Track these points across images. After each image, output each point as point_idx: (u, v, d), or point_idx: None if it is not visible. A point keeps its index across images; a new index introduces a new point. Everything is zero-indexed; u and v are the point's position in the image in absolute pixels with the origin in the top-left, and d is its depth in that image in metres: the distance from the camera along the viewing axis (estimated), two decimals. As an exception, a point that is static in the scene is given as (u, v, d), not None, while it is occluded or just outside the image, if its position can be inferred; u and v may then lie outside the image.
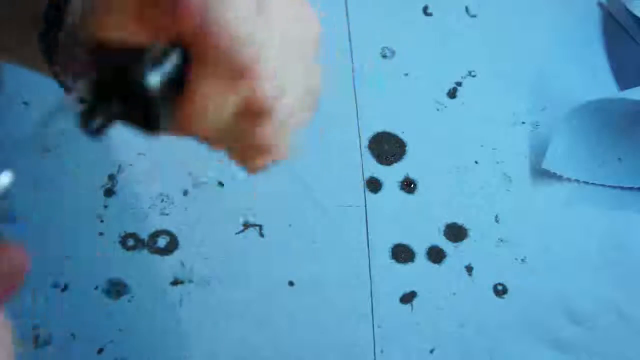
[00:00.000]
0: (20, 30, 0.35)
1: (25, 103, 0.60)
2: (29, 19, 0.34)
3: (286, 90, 0.30)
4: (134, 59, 0.27)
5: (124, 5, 0.27)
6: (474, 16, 0.69)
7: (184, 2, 0.27)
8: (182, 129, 0.30)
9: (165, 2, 0.27)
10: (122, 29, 0.27)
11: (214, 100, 0.29)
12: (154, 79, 0.27)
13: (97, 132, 0.28)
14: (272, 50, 0.29)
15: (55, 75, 0.35)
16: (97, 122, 0.28)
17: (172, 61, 0.27)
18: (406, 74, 0.66)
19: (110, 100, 0.28)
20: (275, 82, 0.29)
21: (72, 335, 0.54)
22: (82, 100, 0.28)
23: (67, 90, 0.35)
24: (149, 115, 0.28)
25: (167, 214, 0.58)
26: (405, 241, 0.59)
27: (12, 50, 0.38)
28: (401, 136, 0.63)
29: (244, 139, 0.31)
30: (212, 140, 0.32)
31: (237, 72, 0.28)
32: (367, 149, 0.62)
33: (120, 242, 0.57)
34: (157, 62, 0.27)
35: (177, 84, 0.28)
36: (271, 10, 0.29)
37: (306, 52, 0.32)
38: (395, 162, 0.62)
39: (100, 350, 0.53)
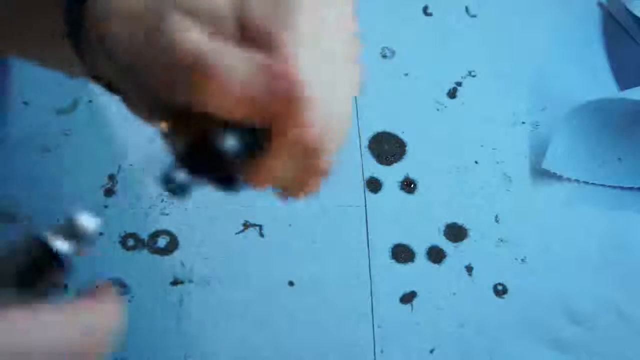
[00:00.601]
0: (47, 30, 0.35)
1: (25, 103, 0.60)
2: (52, 15, 0.34)
3: (336, 119, 0.31)
4: (225, 132, 0.28)
5: (233, 88, 0.27)
6: (474, 16, 0.69)
7: (285, 92, 0.28)
8: (252, 185, 0.32)
9: (269, 92, 0.28)
10: (226, 109, 0.28)
11: (284, 168, 0.30)
12: (232, 141, 0.28)
13: (181, 191, 0.29)
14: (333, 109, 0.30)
15: (82, 59, 0.35)
16: (181, 181, 0.29)
17: (254, 133, 0.29)
18: (406, 74, 0.66)
19: (191, 160, 0.29)
20: (330, 126, 0.30)
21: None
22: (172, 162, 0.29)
23: (96, 80, 0.35)
24: (230, 178, 0.30)
25: (167, 214, 0.58)
26: (405, 241, 0.59)
27: (42, 51, 0.38)
28: (401, 136, 0.63)
29: (298, 176, 0.32)
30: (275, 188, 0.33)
31: (312, 152, 0.30)
32: (367, 149, 0.62)
33: (120, 242, 0.57)
34: (239, 136, 0.28)
35: (253, 146, 0.29)
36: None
37: (353, 72, 0.33)
38: (395, 162, 0.62)
39: (100, 350, 0.53)
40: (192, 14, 0.28)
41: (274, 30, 0.28)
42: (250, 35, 0.29)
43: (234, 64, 0.27)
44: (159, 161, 0.29)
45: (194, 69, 0.27)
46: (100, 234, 0.57)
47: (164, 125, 0.29)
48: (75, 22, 0.33)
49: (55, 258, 0.26)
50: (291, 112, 0.28)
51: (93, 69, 0.34)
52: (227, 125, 0.28)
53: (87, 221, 0.27)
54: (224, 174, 0.29)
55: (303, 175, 0.32)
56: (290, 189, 0.33)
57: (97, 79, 0.35)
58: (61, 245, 0.26)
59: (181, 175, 0.28)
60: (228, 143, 0.28)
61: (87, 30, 0.32)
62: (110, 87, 0.36)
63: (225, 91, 0.27)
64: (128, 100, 0.32)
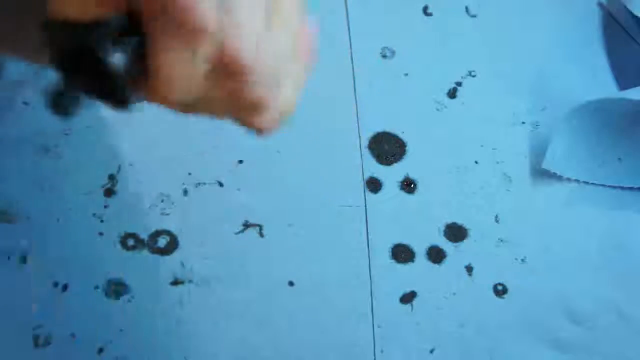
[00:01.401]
0: (18, 22, 0.34)
1: (25, 103, 0.60)
2: (30, 11, 0.33)
3: (264, 44, 0.27)
4: (95, 37, 0.26)
5: None
6: (474, 16, 0.69)
7: None
8: (157, 99, 0.28)
9: None
10: (80, 4, 0.26)
11: (180, 65, 0.26)
12: (117, 58, 0.26)
13: (68, 112, 0.27)
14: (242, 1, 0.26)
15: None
16: (67, 101, 0.27)
17: (132, 34, 0.26)
18: (406, 74, 0.66)
19: (77, 79, 0.27)
20: (247, 30, 0.26)
21: (72, 335, 0.54)
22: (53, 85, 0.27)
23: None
24: (116, 90, 0.27)
25: (167, 214, 0.58)
26: (405, 241, 0.59)
27: (12, 42, 0.38)
28: (401, 136, 0.63)
29: (231, 102, 0.29)
30: (197, 108, 0.30)
31: (199, 32, 0.25)
32: (367, 149, 0.62)
33: (120, 242, 0.57)
34: (118, 39, 0.26)
35: (142, 53, 0.27)
36: None
37: (285, 4, 0.29)
38: (395, 162, 0.62)
39: (100, 350, 0.53)
40: None
41: None
42: None
43: None
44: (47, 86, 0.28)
45: None
46: (100, 234, 0.57)
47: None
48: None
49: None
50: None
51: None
52: (107, 38, 0.26)
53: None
54: (111, 87, 0.27)
55: (235, 97, 0.28)
56: (231, 116, 0.30)
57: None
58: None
59: (67, 96, 0.27)
60: (111, 56, 0.26)
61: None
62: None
63: None
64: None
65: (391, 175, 0.61)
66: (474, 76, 0.66)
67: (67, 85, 0.27)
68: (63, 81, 0.27)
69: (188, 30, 0.25)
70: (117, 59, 0.26)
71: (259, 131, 0.31)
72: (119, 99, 0.27)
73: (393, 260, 0.58)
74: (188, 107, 0.29)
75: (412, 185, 0.61)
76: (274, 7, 0.28)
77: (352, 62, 0.65)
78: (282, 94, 0.30)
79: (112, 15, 0.26)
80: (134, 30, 0.26)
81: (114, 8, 0.26)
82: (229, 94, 0.28)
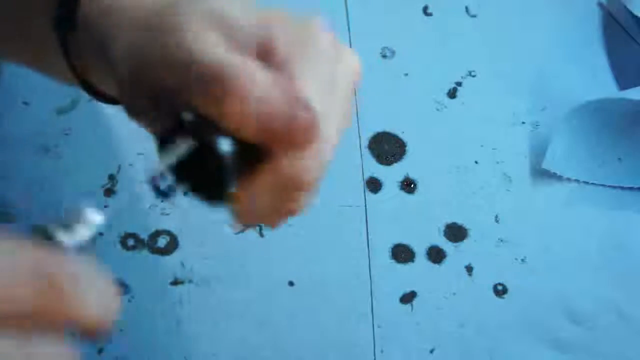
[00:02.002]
0: (41, 34, 0.34)
1: (25, 103, 0.60)
2: (42, 21, 0.33)
3: (321, 167, 0.31)
4: (219, 137, 0.28)
5: (258, 111, 0.27)
6: (474, 16, 0.69)
7: (306, 127, 0.27)
8: (233, 207, 0.30)
9: (291, 123, 0.27)
10: (244, 129, 0.27)
11: (265, 201, 0.29)
12: (226, 146, 0.27)
13: (164, 195, 0.28)
14: (329, 129, 0.30)
15: (75, 73, 0.34)
16: (167, 184, 0.28)
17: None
18: (406, 74, 0.66)
19: (183, 165, 0.28)
20: (323, 156, 0.30)
21: (72, 335, 0.54)
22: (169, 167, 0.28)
23: (88, 91, 0.35)
24: (216, 182, 0.28)
25: (167, 214, 0.58)
26: (405, 241, 0.59)
27: (36, 56, 0.38)
28: (401, 136, 0.63)
29: (278, 205, 0.31)
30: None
31: (298, 188, 0.29)
32: (367, 149, 0.62)
33: (120, 242, 0.57)
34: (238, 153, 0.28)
35: (245, 163, 0.29)
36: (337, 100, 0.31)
37: (349, 96, 0.33)
38: (395, 162, 0.62)
39: (100, 350, 0.53)
40: (215, 26, 0.28)
41: (292, 61, 0.29)
42: (266, 59, 0.29)
43: (255, 79, 0.27)
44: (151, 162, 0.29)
45: (216, 81, 0.27)
46: (100, 234, 0.57)
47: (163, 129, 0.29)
48: (64, 27, 0.32)
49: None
50: (300, 140, 0.28)
51: (83, 74, 0.34)
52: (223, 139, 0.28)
53: (91, 216, 0.27)
54: (213, 185, 0.28)
55: (278, 208, 0.31)
56: (258, 218, 0.32)
57: (86, 85, 0.35)
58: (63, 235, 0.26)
59: (168, 182, 0.28)
60: (223, 155, 0.27)
61: (79, 35, 0.32)
62: (98, 94, 0.35)
63: (244, 105, 0.27)
64: (128, 107, 0.32)
65: (391, 175, 0.61)
66: (474, 76, 0.66)
67: (176, 174, 0.28)
68: (172, 170, 0.28)
69: (291, 188, 0.29)
70: (227, 151, 0.27)
71: (296, 212, 0.33)
72: (219, 195, 0.29)
73: (393, 260, 0.58)
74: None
75: (412, 185, 0.61)
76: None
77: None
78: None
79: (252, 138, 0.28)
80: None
81: (260, 140, 0.28)
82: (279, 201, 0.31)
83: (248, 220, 0.32)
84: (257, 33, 0.29)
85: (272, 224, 0.32)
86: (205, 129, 0.27)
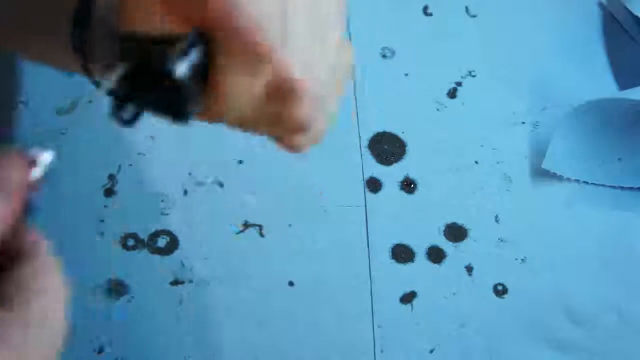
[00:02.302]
0: (51, 29, 0.35)
1: (25, 103, 0.60)
2: (59, 17, 0.34)
3: (315, 67, 0.29)
4: (162, 50, 0.27)
5: None
6: (474, 16, 0.69)
7: None
8: (211, 115, 0.29)
9: None
10: (150, 20, 0.27)
11: (240, 85, 0.28)
12: (181, 69, 0.27)
13: (128, 123, 0.28)
14: (298, 26, 0.28)
15: (87, 72, 0.35)
16: (128, 112, 0.28)
17: (198, 49, 0.27)
18: (406, 74, 0.66)
19: (139, 91, 0.28)
20: (303, 60, 0.29)
21: (72, 335, 0.54)
22: (112, 93, 0.28)
23: (97, 84, 0.35)
24: (177, 103, 0.28)
25: (167, 214, 0.58)
26: (405, 241, 0.59)
27: (43, 50, 0.38)
28: (401, 136, 0.63)
29: (277, 120, 0.30)
30: (244, 124, 0.31)
31: (263, 56, 0.27)
32: (367, 149, 0.62)
33: (120, 242, 0.57)
34: (184, 53, 0.27)
35: (204, 70, 0.28)
36: None
37: (333, 24, 0.31)
38: (395, 162, 0.62)
39: (100, 350, 0.53)
40: None
41: None
42: None
43: None
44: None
45: None
46: (100, 234, 0.57)
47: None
48: (81, 19, 0.32)
49: None
50: (229, 23, 0.26)
51: (92, 63, 0.34)
52: (174, 52, 0.27)
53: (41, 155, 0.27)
54: (171, 99, 0.28)
55: (279, 118, 0.30)
56: (271, 134, 0.31)
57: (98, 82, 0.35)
58: None
59: (129, 105, 0.28)
60: (175, 68, 0.26)
61: (102, 21, 0.32)
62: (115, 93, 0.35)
63: (146, 1, 0.26)
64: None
65: (391, 175, 0.61)
66: (474, 76, 0.66)
67: (130, 98, 0.28)
68: (126, 92, 0.28)
69: (252, 54, 0.27)
70: (182, 72, 0.27)
71: (294, 149, 0.33)
72: (180, 112, 0.28)
73: (393, 260, 0.58)
74: (236, 123, 0.31)
75: (412, 185, 0.61)
76: (323, 33, 0.30)
77: (352, 62, 0.65)
78: (323, 115, 0.31)
79: (181, 33, 0.27)
80: (198, 44, 0.27)
81: (183, 25, 0.27)
82: (277, 113, 0.30)
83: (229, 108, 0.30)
84: None
85: (290, 144, 0.31)
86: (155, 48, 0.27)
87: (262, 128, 0.32)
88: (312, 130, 0.32)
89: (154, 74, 0.27)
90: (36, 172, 0.27)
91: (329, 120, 0.32)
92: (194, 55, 0.27)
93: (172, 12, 0.27)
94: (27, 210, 0.27)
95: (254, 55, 0.27)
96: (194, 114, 0.29)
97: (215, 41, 0.27)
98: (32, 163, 0.27)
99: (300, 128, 0.31)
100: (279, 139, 0.32)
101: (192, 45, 0.27)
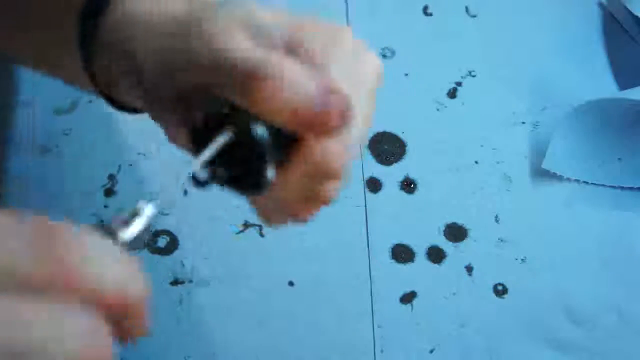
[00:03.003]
0: (62, 42, 0.35)
1: (25, 103, 0.60)
2: (69, 29, 0.34)
3: (348, 154, 0.31)
4: (260, 130, 0.28)
5: (292, 97, 0.28)
6: (474, 16, 0.69)
7: (340, 112, 0.28)
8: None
9: (325, 108, 0.28)
10: (277, 116, 0.28)
11: (295, 189, 0.30)
12: (261, 130, 0.28)
13: (203, 185, 0.29)
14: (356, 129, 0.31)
15: (98, 86, 0.35)
16: (205, 175, 0.29)
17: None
18: (406, 74, 0.66)
19: (222, 156, 0.29)
20: (352, 149, 0.31)
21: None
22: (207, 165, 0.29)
23: (114, 103, 0.36)
24: (258, 176, 0.29)
25: (167, 214, 0.58)
26: (405, 241, 0.59)
27: (54, 63, 0.38)
28: (401, 136, 0.63)
29: (310, 197, 0.32)
30: (284, 204, 0.33)
31: (328, 177, 0.30)
32: (367, 149, 0.62)
33: (120, 242, 0.57)
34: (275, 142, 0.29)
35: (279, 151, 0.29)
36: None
37: (373, 96, 0.34)
38: (395, 162, 0.62)
39: (100, 350, 0.53)
40: (243, 27, 0.29)
41: (322, 57, 0.30)
42: (297, 56, 0.30)
43: (284, 67, 0.28)
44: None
45: (251, 73, 0.28)
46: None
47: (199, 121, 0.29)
48: (88, 37, 0.33)
49: None
50: (335, 124, 0.29)
51: (105, 83, 0.34)
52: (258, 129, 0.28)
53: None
54: (251, 174, 0.29)
55: (310, 197, 0.32)
56: (290, 209, 0.33)
57: (104, 93, 0.35)
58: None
59: (207, 173, 0.29)
60: (260, 142, 0.28)
61: (103, 44, 0.32)
62: (114, 102, 0.36)
63: (280, 94, 0.28)
64: (154, 109, 0.33)
65: (391, 175, 0.61)
66: (474, 76, 0.66)
67: (214, 166, 0.29)
68: (211, 161, 0.28)
69: (322, 177, 0.30)
70: (263, 136, 0.28)
71: (305, 220, 0.35)
72: (258, 184, 0.30)
73: (393, 260, 0.58)
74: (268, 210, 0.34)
75: (412, 185, 0.61)
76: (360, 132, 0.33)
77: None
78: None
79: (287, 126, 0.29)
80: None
81: (294, 127, 0.29)
82: (314, 191, 0.32)
83: (280, 214, 0.33)
84: (286, 33, 0.30)
85: (304, 216, 0.33)
86: (240, 119, 0.28)
87: (294, 205, 0.33)
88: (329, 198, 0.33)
89: (242, 148, 0.28)
90: (140, 227, 0.26)
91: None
92: (277, 144, 0.29)
93: (298, 115, 0.28)
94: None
95: (324, 176, 0.30)
96: (268, 186, 0.30)
97: (300, 143, 0.29)
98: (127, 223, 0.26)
99: (328, 204, 0.33)
100: (292, 213, 0.34)
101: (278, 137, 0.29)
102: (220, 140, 0.28)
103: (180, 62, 0.30)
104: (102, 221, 0.57)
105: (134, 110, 0.36)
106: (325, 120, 0.28)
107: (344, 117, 0.29)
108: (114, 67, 0.33)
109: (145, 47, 0.31)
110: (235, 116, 0.28)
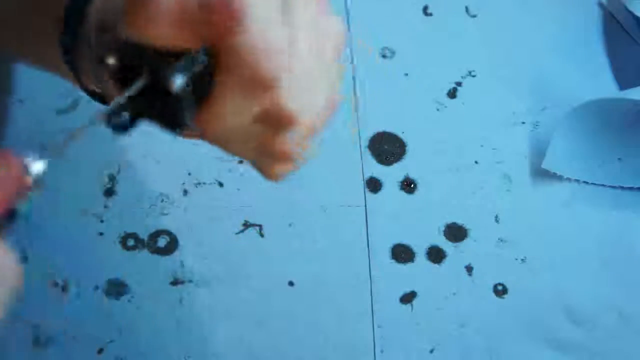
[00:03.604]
0: (43, 33, 0.35)
1: (20, 101, 0.60)
2: (51, 20, 0.34)
3: (312, 102, 0.30)
4: (165, 62, 0.27)
5: (164, 11, 0.27)
6: (474, 16, 0.69)
7: (221, 8, 0.26)
8: (203, 131, 0.30)
9: (204, 9, 0.27)
10: (160, 35, 0.27)
11: (236, 105, 0.28)
12: (180, 81, 0.27)
13: (122, 129, 0.29)
14: (297, 62, 0.29)
15: (76, 76, 0.35)
16: (123, 119, 0.29)
17: (199, 65, 0.28)
18: (406, 74, 0.66)
19: (137, 99, 0.28)
20: (302, 94, 0.29)
21: (72, 335, 0.54)
22: (121, 107, 0.28)
23: (89, 92, 0.36)
24: (173, 114, 0.29)
25: (167, 214, 0.58)
26: (405, 241, 0.59)
27: (36, 53, 0.38)
28: (401, 136, 0.63)
29: (264, 147, 0.31)
30: (230, 146, 0.32)
31: (261, 84, 0.28)
32: (367, 149, 0.62)
33: (120, 242, 0.57)
34: (186, 67, 0.28)
35: (203, 86, 0.28)
36: (296, 19, 0.29)
37: (330, 58, 0.31)
38: (395, 162, 0.62)
39: (100, 350, 0.53)
40: None
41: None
42: None
43: None
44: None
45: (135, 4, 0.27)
46: (100, 234, 0.57)
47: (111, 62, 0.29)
48: (73, 22, 0.33)
49: None
50: (233, 47, 0.27)
51: (87, 79, 0.34)
52: (177, 66, 0.27)
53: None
54: (167, 110, 0.28)
55: (266, 145, 0.30)
56: (254, 159, 0.32)
57: (87, 90, 0.35)
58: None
59: (124, 115, 0.29)
60: (174, 79, 0.27)
61: (97, 27, 0.32)
62: (99, 97, 0.36)
63: (159, 15, 0.26)
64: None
65: (391, 175, 0.61)
66: (474, 76, 0.66)
67: (126, 105, 0.28)
68: (125, 101, 0.28)
69: (253, 80, 0.27)
70: (179, 84, 0.27)
71: (273, 177, 0.33)
72: (174, 123, 0.29)
73: (393, 260, 0.58)
74: (223, 143, 0.31)
75: (412, 185, 0.61)
76: (324, 69, 0.31)
77: (352, 62, 0.65)
78: (305, 149, 0.32)
79: (188, 50, 0.28)
80: (201, 59, 0.28)
81: (190, 39, 0.27)
82: (266, 141, 0.30)
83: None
84: None
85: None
86: (154, 61, 0.27)
87: (247, 153, 0.32)
88: (293, 162, 0.32)
89: (152, 83, 0.28)
90: (27, 179, 0.26)
91: (313, 152, 0.33)
92: (194, 69, 0.28)
93: (182, 30, 0.27)
94: (9, 215, 0.26)
95: (255, 82, 0.28)
96: (186, 127, 0.29)
97: (218, 58, 0.28)
98: (24, 169, 0.27)
99: (286, 158, 0.31)
100: (259, 166, 0.33)
101: (194, 60, 0.28)
102: (135, 87, 0.28)
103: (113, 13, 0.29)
104: (102, 221, 0.57)
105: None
106: (211, 20, 0.26)
107: (235, 11, 0.26)
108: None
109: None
110: (151, 60, 0.28)
